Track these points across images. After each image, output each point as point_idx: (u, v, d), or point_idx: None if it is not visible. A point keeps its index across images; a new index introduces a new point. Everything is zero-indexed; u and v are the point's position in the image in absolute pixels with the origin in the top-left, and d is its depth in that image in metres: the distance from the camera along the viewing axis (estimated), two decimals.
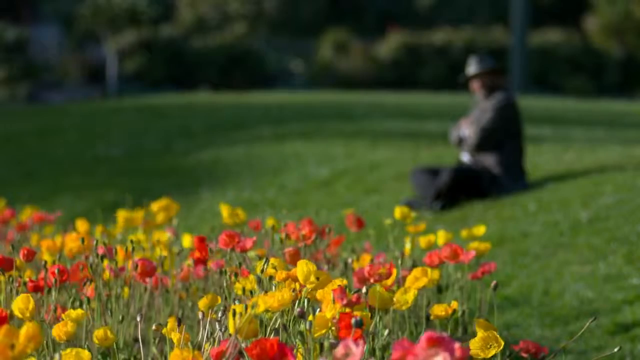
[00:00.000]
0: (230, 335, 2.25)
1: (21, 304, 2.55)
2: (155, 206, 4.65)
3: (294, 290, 2.45)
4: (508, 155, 7.37)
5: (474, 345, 2.48)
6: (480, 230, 4.00)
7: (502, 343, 2.48)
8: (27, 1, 32.10)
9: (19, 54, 27.04)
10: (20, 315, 2.54)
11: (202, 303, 2.58)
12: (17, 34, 27.45)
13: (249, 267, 3.22)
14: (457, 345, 1.60)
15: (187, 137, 12.86)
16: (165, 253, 3.75)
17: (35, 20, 31.54)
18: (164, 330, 2.54)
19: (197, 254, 3.06)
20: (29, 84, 25.73)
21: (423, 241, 3.93)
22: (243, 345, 2.25)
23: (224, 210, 4.06)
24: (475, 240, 3.90)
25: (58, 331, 2.55)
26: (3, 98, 25.00)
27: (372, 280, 2.71)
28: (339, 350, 1.79)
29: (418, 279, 2.78)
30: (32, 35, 29.03)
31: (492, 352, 2.47)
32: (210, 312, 2.48)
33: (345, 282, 2.47)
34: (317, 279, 2.39)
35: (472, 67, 7.45)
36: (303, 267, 2.41)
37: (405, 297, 2.66)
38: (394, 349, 1.66)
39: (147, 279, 3.27)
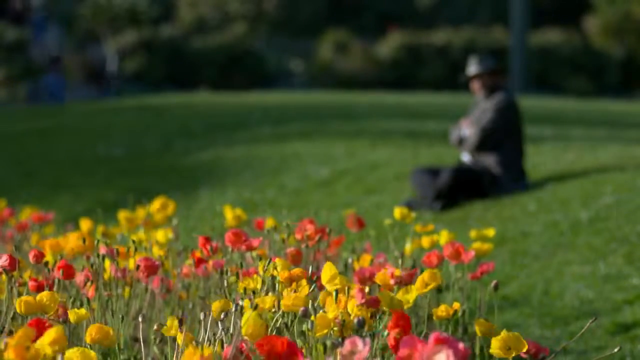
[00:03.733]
0: (234, 335, 2.25)
1: (45, 300, 2.55)
2: (154, 205, 4.64)
3: (294, 290, 2.45)
4: (508, 156, 7.37)
5: (495, 344, 2.51)
6: (490, 232, 3.98)
7: (526, 344, 2.50)
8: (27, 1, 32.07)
9: (19, 54, 27.05)
10: (43, 311, 2.53)
11: (215, 307, 2.58)
12: (17, 34, 27.45)
13: (250, 266, 3.22)
14: (461, 345, 1.61)
15: (187, 137, 12.86)
16: (163, 253, 3.75)
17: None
18: (163, 330, 2.54)
19: (198, 254, 3.06)
20: (29, 84, 25.74)
21: (426, 241, 3.92)
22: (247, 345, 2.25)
23: (228, 213, 4.05)
24: (480, 240, 3.89)
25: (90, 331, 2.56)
26: (3, 98, 25.00)
27: (392, 283, 2.73)
28: (346, 347, 1.79)
29: (428, 285, 2.77)
30: (32, 35, 29.02)
31: (513, 354, 2.50)
32: (220, 314, 2.48)
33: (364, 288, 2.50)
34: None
35: (472, 67, 7.44)
36: (328, 271, 2.46)
37: (407, 297, 2.67)
38: (402, 345, 1.66)
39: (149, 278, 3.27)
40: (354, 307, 2.36)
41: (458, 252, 3.41)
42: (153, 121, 15.33)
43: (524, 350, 2.50)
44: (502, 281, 5.22)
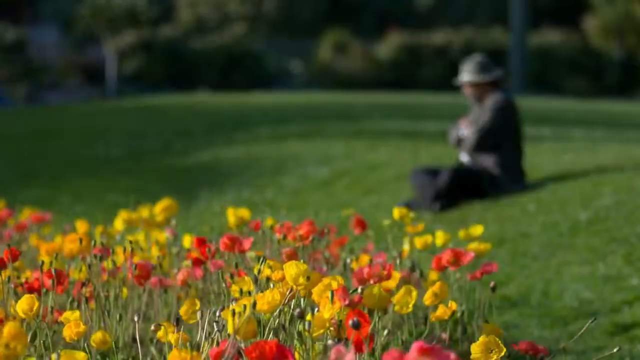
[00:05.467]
0: (228, 335, 2.25)
1: (25, 305, 2.53)
2: (157, 207, 4.62)
3: (291, 290, 2.44)
4: (507, 156, 7.35)
5: (475, 349, 2.47)
6: (478, 230, 3.98)
7: (504, 349, 2.46)
8: (27, 1, 32.08)
9: (18, 54, 27.04)
10: (23, 316, 2.53)
11: (183, 310, 2.57)
12: (16, 35, 27.44)
13: (247, 267, 3.21)
14: (452, 356, 1.58)
15: (187, 138, 12.86)
16: (162, 253, 3.74)
17: (34, 21, 31.53)
18: (159, 334, 2.54)
19: (194, 254, 3.05)
20: (28, 85, 25.73)
21: (419, 242, 3.90)
22: (242, 345, 2.24)
23: (230, 216, 4.03)
24: (474, 240, 3.89)
25: (70, 332, 2.54)
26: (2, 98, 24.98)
27: (371, 282, 2.70)
28: (332, 356, 1.78)
29: (438, 296, 2.74)
30: (31, 35, 29.02)
31: (494, 357, 2.46)
32: (202, 315, 2.47)
33: (340, 280, 2.46)
34: (308, 278, 2.38)
35: (463, 75, 7.37)
36: (292, 269, 2.39)
37: (407, 299, 2.64)
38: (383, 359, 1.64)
39: (144, 281, 3.26)
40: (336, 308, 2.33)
41: (458, 258, 3.36)
42: (152, 122, 15.32)
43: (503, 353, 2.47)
44: (501, 281, 5.21)
